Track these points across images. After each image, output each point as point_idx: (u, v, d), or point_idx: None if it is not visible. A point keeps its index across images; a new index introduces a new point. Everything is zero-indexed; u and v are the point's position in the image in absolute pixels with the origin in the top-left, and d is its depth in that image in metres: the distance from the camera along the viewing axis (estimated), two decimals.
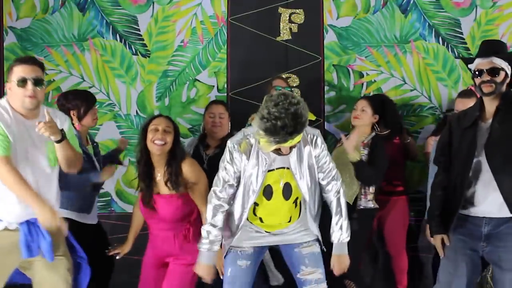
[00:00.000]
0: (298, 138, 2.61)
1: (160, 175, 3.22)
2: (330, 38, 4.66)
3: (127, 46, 4.59)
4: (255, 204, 2.87)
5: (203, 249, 2.88)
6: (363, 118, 3.91)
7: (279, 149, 2.68)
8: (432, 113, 4.66)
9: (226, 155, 2.85)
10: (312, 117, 2.79)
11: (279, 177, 2.83)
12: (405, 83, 4.67)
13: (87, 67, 4.57)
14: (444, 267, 2.98)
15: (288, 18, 4.63)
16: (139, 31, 4.59)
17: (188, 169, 3.19)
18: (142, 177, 3.23)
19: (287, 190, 2.86)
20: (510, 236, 2.78)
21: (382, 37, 4.69)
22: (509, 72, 2.87)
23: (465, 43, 4.69)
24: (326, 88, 4.65)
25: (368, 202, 3.80)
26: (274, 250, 3.31)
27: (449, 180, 2.98)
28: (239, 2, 4.62)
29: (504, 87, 2.87)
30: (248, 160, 2.80)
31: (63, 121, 3.00)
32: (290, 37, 4.61)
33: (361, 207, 3.77)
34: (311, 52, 4.58)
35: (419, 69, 4.67)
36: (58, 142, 2.83)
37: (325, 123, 4.61)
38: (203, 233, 2.89)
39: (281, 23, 4.62)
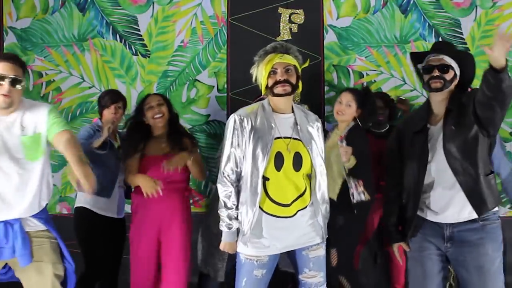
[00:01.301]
0: (289, 59, 2.83)
1: (162, 139, 3.67)
2: (330, 38, 4.66)
3: (127, 46, 4.59)
4: (266, 179, 2.81)
5: (224, 228, 2.87)
6: (348, 113, 3.75)
7: (276, 82, 2.80)
8: None
9: (229, 129, 2.85)
10: (305, 64, 2.91)
11: (286, 145, 2.83)
12: (405, 83, 4.68)
13: (87, 67, 4.57)
14: (413, 270, 2.96)
15: (288, 18, 4.63)
16: (139, 31, 4.59)
17: None
18: (136, 142, 3.60)
19: (297, 160, 2.83)
20: (474, 237, 2.79)
21: (382, 37, 4.69)
22: (457, 73, 2.90)
23: (465, 43, 4.69)
24: (326, 88, 4.66)
25: (360, 194, 3.67)
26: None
27: (403, 186, 2.98)
28: (239, 2, 4.62)
29: (452, 86, 2.89)
30: (255, 124, 2.82)
31: (40, 111, 2.86)
32: (290, 37, 4.61)
33: (355, 201, 3.62)
34: (311, 52, 4.58)
35: None
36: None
37: (325, 123, 4.61)
38: (221, 215, 2.87)
39: (281, 23, 4.63)
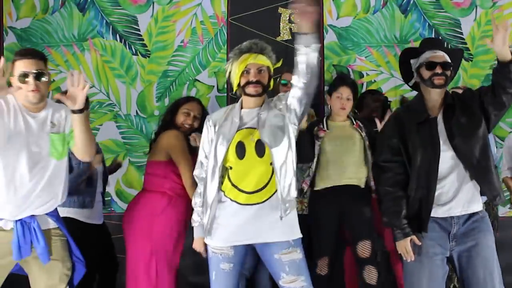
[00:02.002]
0: (263, 59, 2.89)
1: None
2: (330, 38, 4.67)
3: (127, 46, 4.59)
4: (229, 168, 2.84)
5: (194, 224, 3.03)
6: (349, 107, 3.73)
7: (248, 82, 2.84)
8: None
9: (202, 133, 3.00)
10: (278, 64, 2.96)
11: (249, 134, 2.85)
12: (405, 83, 4.67)
13: (87, 67, 4.58)
14: (417, 273, 2.87)
15: (288, 18, 4.63)
16: (139, 31, 4.60)
17: None
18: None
19: (260, 147, 2.83)
20: (478, 231, 2.82)
21: (382, 37, 4.69)
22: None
23: (465, 43, 4.69)
24: (326, 88, 4.65)
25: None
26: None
27: (404, 179, 2.89)
28: (239, 2, 4.63)
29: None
30: (221, 121, 2.90)
31: (62, 112, 2.93)
32: (290, 37, 4.62)
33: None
34: None
35: None
36: (78, 112, 2.76)
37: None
38: (194, 208, 3.04)
39: (281, 23, 4.63)
